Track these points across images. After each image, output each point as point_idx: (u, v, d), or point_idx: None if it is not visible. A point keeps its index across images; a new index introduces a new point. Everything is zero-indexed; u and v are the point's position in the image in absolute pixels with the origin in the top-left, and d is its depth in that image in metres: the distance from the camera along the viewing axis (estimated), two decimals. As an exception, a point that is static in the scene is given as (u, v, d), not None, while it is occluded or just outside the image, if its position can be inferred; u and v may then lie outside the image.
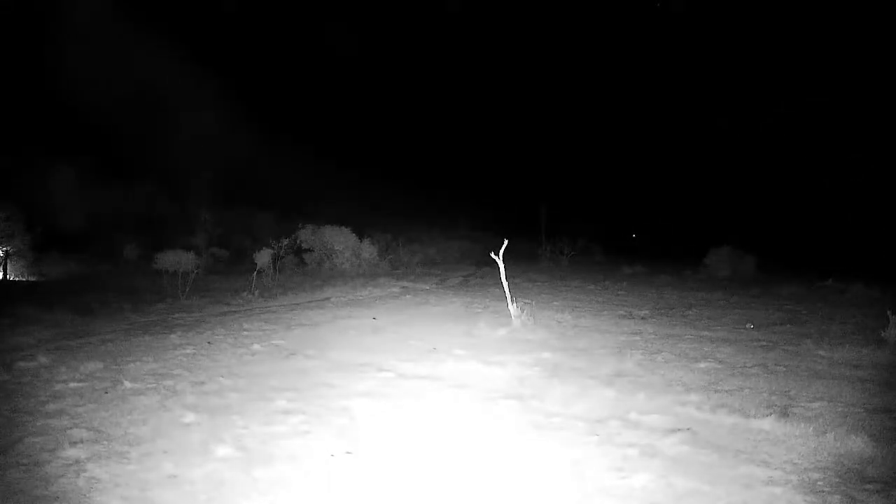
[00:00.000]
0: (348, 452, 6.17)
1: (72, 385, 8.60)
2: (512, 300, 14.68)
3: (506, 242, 15.19)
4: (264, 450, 6.21)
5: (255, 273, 21.74)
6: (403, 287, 24.00)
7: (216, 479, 5.50)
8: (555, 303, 18.32)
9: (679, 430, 6.90)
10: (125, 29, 39.12)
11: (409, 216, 44.43)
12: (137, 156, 38.71)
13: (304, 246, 31.32)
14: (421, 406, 7.85)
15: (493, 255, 15.43)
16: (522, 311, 14.38)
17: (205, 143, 40.20)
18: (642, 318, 15.46)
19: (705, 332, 13.45)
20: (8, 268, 25.34)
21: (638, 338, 12.84)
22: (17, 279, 25.18)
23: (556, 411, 7.67)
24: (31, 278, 25.57)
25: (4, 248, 24.70)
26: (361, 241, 31.75)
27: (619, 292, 21.52)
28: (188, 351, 11.11)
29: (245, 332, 13.15)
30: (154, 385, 8.68)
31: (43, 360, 10.04)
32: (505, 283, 14.93)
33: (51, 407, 7.57)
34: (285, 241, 27.20)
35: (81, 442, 6.35)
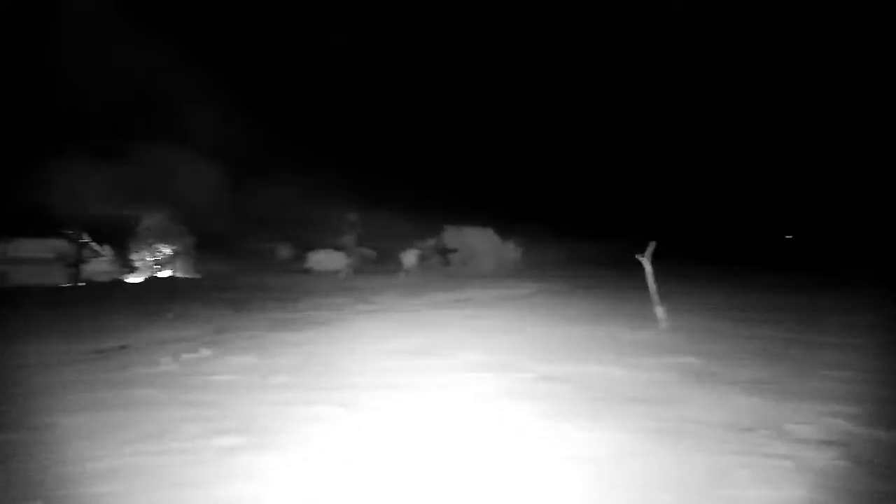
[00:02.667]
0: (491, 451, 6.19)
1: (226, 377, 9.08)
2: (658, 302, 14.35)
3: (653, 245, 14.87)
4: (390, 445, 6.32)
5: (401, 273, 22.22)
6: (540, 287, 23.88)
7: (345, 467, 5.65)
8: (697, 307, 17.73)
9: (830, 442, 6.53)
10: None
11: (545, 217, 44.17)
12: (286, 157, 40.35)
13: (448, 246, 31.78)
14: (557, 408, 7.77)
15: (638, 257, 15.12)
16: (666, 314, 14.02)
17: (347, 143, 41.42)
18: (791, 326, 14.69)
19: (856, 340, 12.62)
20: (174, 266, 27.10)
21: (786, 345, 12.23)
22: (181, 277, 26.87)
23: (698, 418, 7.42)
24: (193, 276, 27.21)
25: (173, 248, 26.43)
26: (503, 243, 31.86)
27: (763, 299, 20.58)
28: (332, 349, 11.46)
29: (384, 330, 13.43)
30: (294, 380, 9.00)
31: (203, 352, 10.69)
32: (651, 285, 14.60)
33: (207, 397, 8.03)
34: (430, 242, 27.71)
35: (231, 431, 6.68)
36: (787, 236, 53.26)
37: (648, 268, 14.85)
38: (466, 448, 6.28)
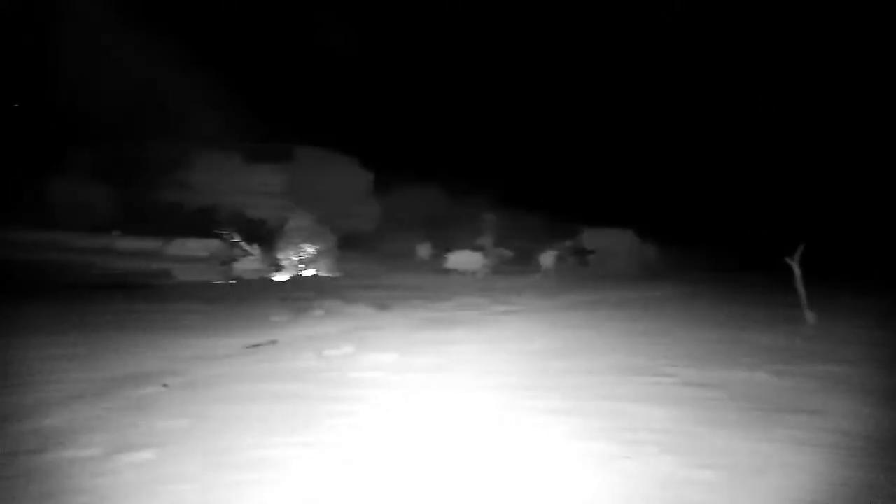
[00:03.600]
0: (627, 457, 6.11)
1: (367, 374, 9.32)
2: (807, 307, 13.72)
3: (801, 247, 14.26)
4: (532, 448, 6.31)
5: (538, 273, 22.20)
6: (686, 289, 23.23)
7: (482, 476, 5.70)
8: (846, 312, 16.69)
9: None
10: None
11: (686, 218, 42.82)
12: (423, 156, 40.91)
13: (585, 247, 31.44)
14: (699, 414, 7.54)
15: (788, 260, 14.52)
16: (815, 319, 13.40)
17: (488, 144, 41.68)
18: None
19: None
20: (317, 265, 28.09)
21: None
22: (323, 275, 27.82)
23: (849, 430, 7.01)
24: (335, 274, 28.13)
25: (317, 248, 27.39)
26: (642, 244, 31.23)
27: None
28: (470, 347, 11.57)
29: (525, 331, 13.44)
30: (437, 379, 9.13)
31: (346, 349, 11.03)
32: (800, 289, 13.98)
33: (349, 392, 8.28)
34: (568, 243, 27.51)
35: (367, 427, 6.87)
36: None
37: (797, 271, 14.23)
38: (601, 454, 6.21)
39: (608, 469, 5.81)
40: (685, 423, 7.18)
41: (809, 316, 13.56)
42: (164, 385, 8.53)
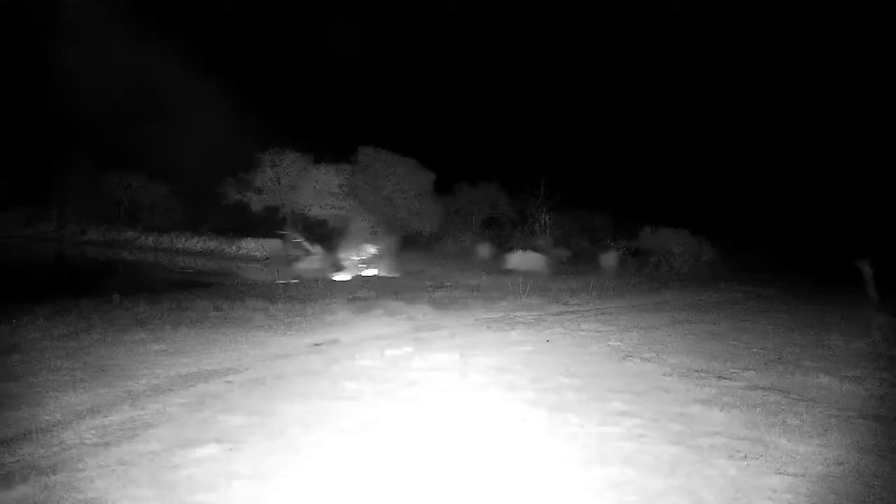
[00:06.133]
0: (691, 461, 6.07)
1: (424, 374, 9.42)
2: (876, 310, 13.36)
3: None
4: (599, 450, 6.32)
5: (595, 275, 22.09)
6: (746, 291, 22.84)
7: (549, 476, 5.72)
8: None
9: None
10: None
11: (747, 218, 42.09)
12: (484, 157, 41.05)
13: (642, 248, 31.11)
14: (762, 420, 7.44)
15: (857, 262, 14.17)
16: (885, 323, 13.03)
17: (543, 145, 41.51)
18: None
19: None
20: (378, 265, 28.39)
21: None
22: (384, 275, 28.09)
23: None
24: (396, 274, 28.38)
25: (377, 247, 27.69)
26: (701, 244, 30.75)
27: None
28: (527, 348, 11.59)
29: (582, 333, 13.39)
30: (495, 379, 9.20)
31: (405, 349, 11.15)
32: (871, 292, 13.64)
33: (405, 392, 8.40)
34: (625, 243, 27.23)
35: (427, 423, 7.01)
36: None
37: (867, 272, 13.86)
38: (662, 456, 6.19)
39: (669, 472, 5.80)
40: (750, 427, 7.14)
41: (877, 319, 13.20)
42: (227, 382, 8.75)
